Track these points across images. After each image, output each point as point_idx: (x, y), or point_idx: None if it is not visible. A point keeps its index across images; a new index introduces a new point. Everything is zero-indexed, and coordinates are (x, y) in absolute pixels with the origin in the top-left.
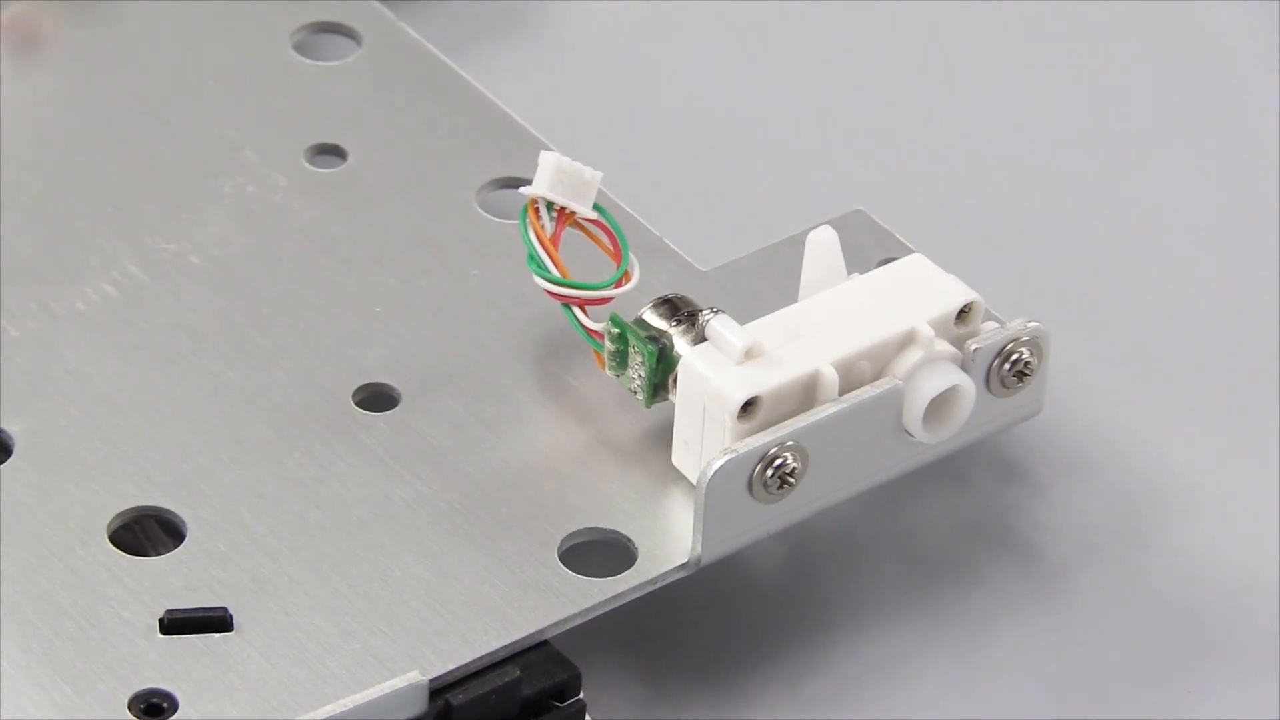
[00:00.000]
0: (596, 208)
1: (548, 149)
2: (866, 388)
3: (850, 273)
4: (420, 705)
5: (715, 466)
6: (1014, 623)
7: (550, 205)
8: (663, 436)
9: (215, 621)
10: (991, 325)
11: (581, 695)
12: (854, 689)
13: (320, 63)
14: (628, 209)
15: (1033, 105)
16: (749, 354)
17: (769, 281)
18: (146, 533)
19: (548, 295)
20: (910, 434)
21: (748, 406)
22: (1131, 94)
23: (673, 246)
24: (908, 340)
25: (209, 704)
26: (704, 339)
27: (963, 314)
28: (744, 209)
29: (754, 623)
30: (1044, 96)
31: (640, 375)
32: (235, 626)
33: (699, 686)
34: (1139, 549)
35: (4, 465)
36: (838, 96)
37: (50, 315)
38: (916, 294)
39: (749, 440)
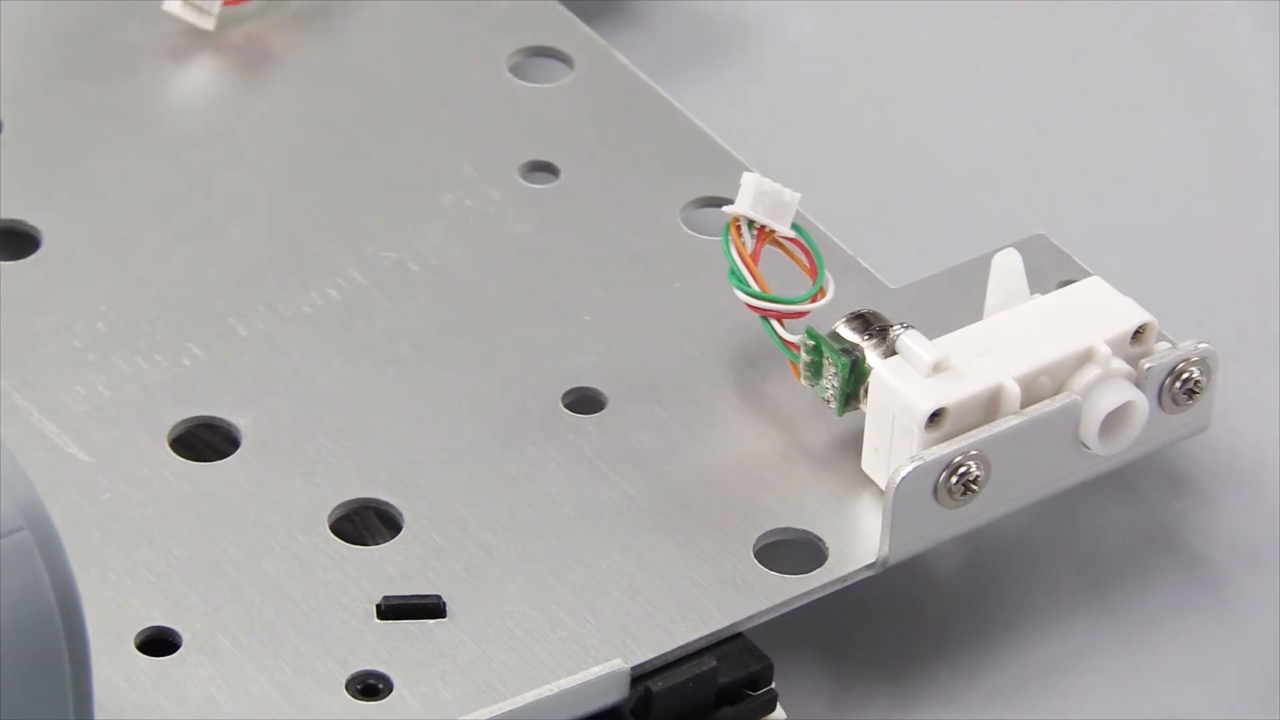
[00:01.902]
0: (794, 227)
1: (749, 170)
2: (1046, 402)
3: (1032, 293)
4: (621, 691)
5: (903, 473)
6: (1179, 627)
7: (751, 223)
8: (853, 443)
9: (430, 608)
10: (1164, 345)
11: (773, 685)
12: (1027, 686)
13: (535, 85)
14: (823, 228)
15: (1202, 137)
16: (937, 368)
17: (955, 300)
18: (365, 523)
19: (747, 308)
20: (1086, 446)
21: (935, 417)
22: None
23: (865, 265)
24: (1086, 358)
25: (422, 686)
26: (894, 352)
27: (1138, 334)
28: (932, 231)
29: (934, 621)
30: (1215, 128)
31: (834, 385)
32: (448, 613)
33: (882, 680)
34: None
35: (231, 457)
36: (1022, 126)
37: (277, 317)
38: (1094, 315)
39: (935, 449)
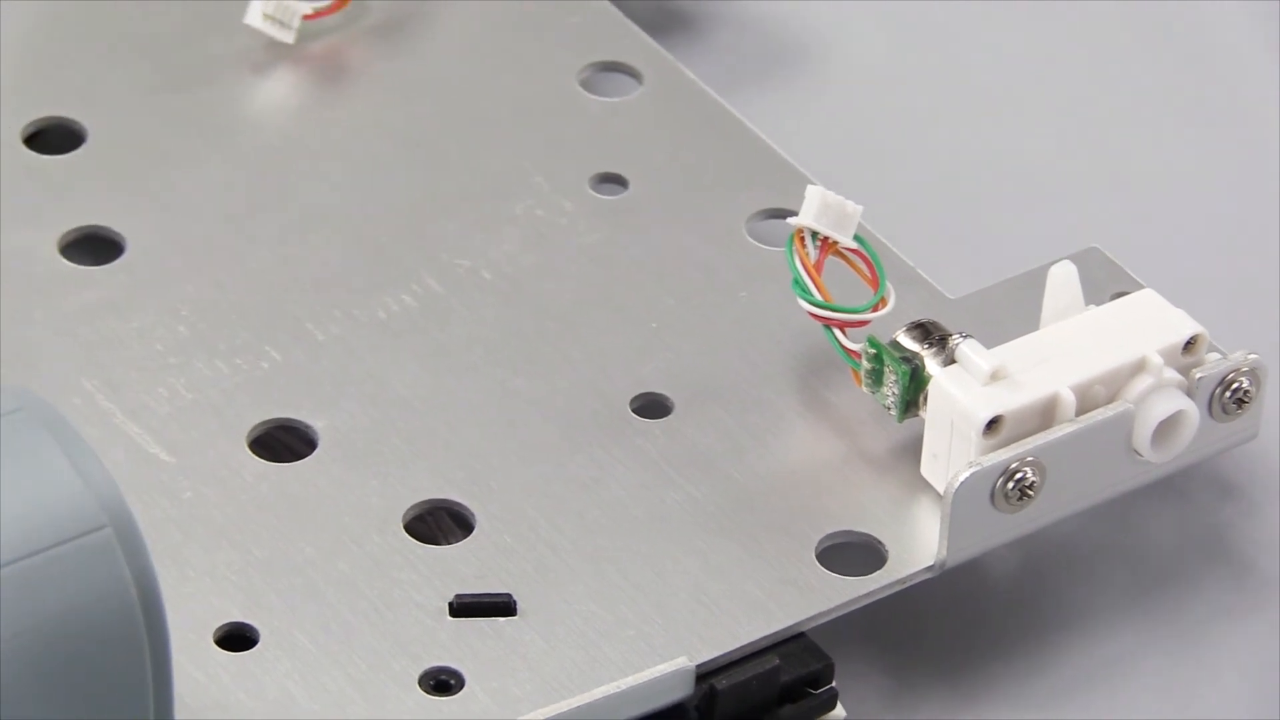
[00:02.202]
0: (856, 238)
1: (813, 183)
2: (1100, 410)
3: (1087, 304)
4: (687, 689)
5: (962, 478)
6: (1227, 631)
7: (815, 235)
8: (913, 449)
9: (501, 606)
10: (1214, 356)
11: (834, 684)
12: (1081, 687)
13: (605, 99)
14: (884, 240)
15: (1252, 152)
16: (995, 376)
17: (1012, 310)
18: (439, 523)
19: (810, 317)
20: (1139, 454)
21: (992, 424)
22: None
23: (924, 275)
24: (1139, 368)
25: (493, 682)
26: (953, 361)
27: (1189, 345)
28: (990, 243)
29: (990, 623)
30: (1264, 143)
31: (894, 393)
32: (519, 612)
33: (938, 680)
34: None
35: (309, 458)
36: (1077, 141)
37: (354, 322)
38: (1147, 326)
39: (993, 455)
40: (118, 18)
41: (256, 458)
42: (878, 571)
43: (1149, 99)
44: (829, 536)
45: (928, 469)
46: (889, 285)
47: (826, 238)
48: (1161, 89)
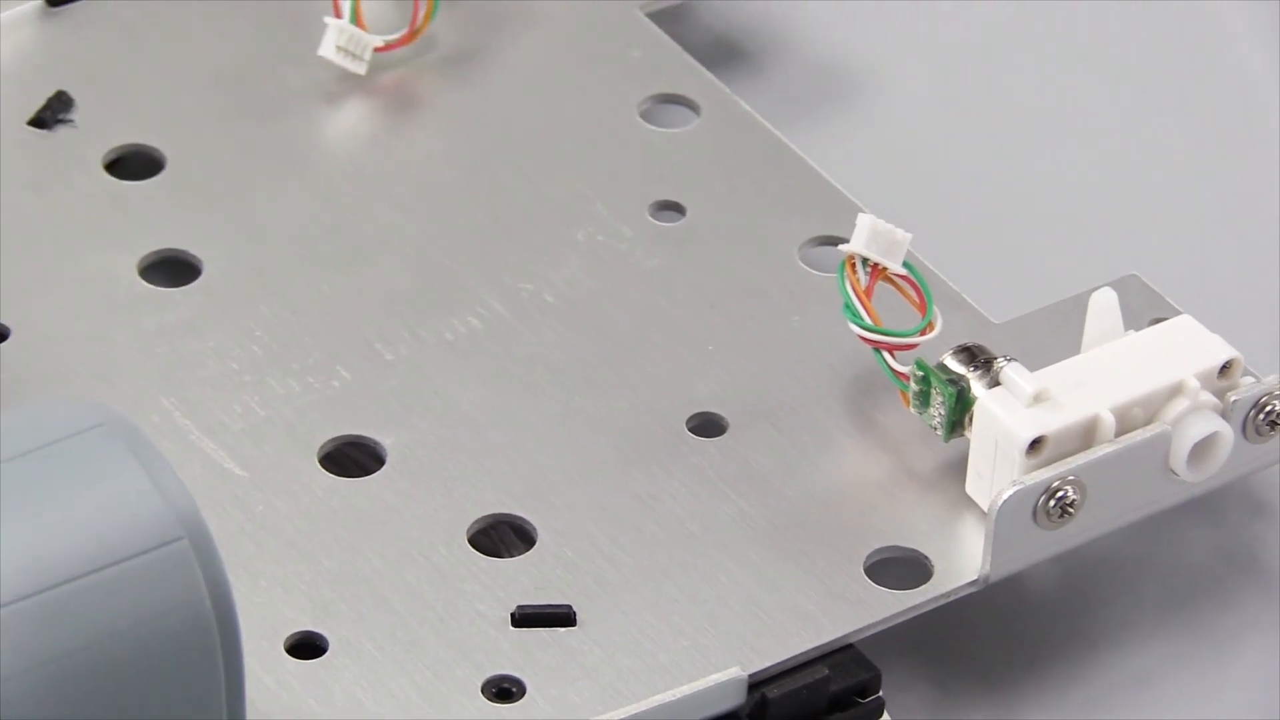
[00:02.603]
0: (905, 265)
1: (863, 212)
2: (1139, 431)
3: (1126, 330)
4: (739, 697)
5: (1005, 496)
6: (1258, 643)
7: (865, 261)
8: (958, 468)
9: (561, 617)
10: (1249, 380)
11: (881, 694)
12: (1117, 696)
13: (663, 129)
14: (931, 266)
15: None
16: (1038, 398)
17: (1054, 335)
18: (502, 537)
19: (860, 340)
20: (1175, 473)
21: (1035, 444)
22: None
23: (970, 301)
24: (1176, 391)
25: (553, 690)
26: (998, 383)
27: (1224, 369)
28: (1033, 269)
29: (1031, 634)
30: None
31: (940, 413)
32: (578, 622)
33: (982, 690)
34: None
35: (377, 474)
36: (1117, 172)
37: (421, 343)
38: (1184, 351)
39: (1035, 474)
40: (196, 48)
41: (327, 473)
42: (924, 585)
43: (1187, 132)
44: (877, 551)
45: (972, 487)
46: (936, 310)
47: (876, 264)
48: (1198, 123)
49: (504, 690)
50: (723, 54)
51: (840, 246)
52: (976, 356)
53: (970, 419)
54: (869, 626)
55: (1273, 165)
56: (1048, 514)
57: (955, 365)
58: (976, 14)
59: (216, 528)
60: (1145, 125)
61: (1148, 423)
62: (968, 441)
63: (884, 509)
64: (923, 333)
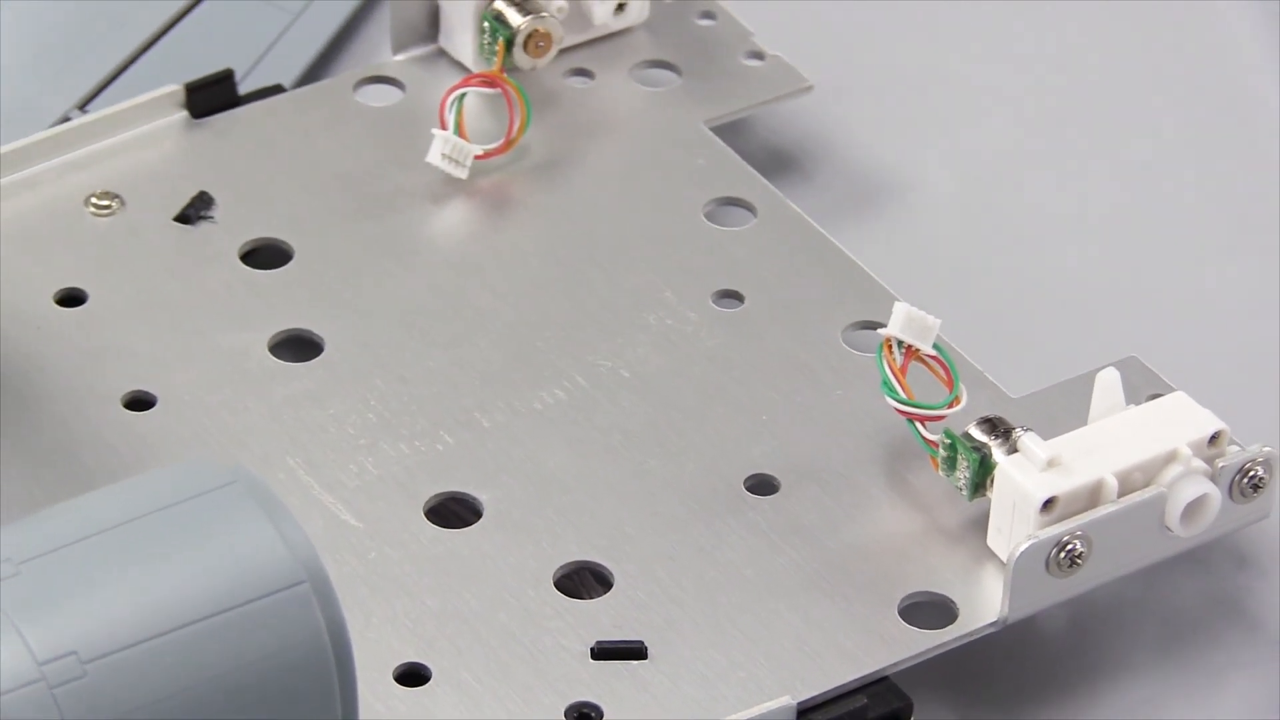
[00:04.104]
0: (935, 346)
1: (899, 300)
2: (1139, 493)
3: (1128, 404)
4: None
5: (1022, 548)
6: (1242, 677)
7: (900, 343)
8: (980, 524)
9: (634, 651)
10: (1234, 448)
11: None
12: None
13: (725, 228)
14: (958, 348)
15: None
16: (1050, 464)
17: (1065, 408)
18: (583, 581)
19: (896, 412)
20: (1170, 530)
21: (1048, 504)
22: None
23: (990, 378)
24: (1171, 458)
25: (626, 715)
26: (1016, 450)
27: (1214, 439)
28: (1046, 351)
29: (1042, 670)
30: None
31: (965, 476)
32: (649, 656)
33: (999, 716)
34: None
35: (475, 525)
36: (1120, 263)
37: (514, 412)
38: (1178, 423)
39: (1048, 530)
40: (321, 155)
41: (431, 525)
42: (950, 625)
43: (1185, 229)
44: (909, 596)
45: (993, 540)
46: (962, 386)
47: (910, 346)
48: (1197, 219)
49: (584, 715)
50: (777, 163)
51: (878, 330)
52: (997, 427)
53: (991, 481)
54: (902, 661)
55: (1269, 259)
56: (1059, 564)
57: (978, 434)
58: (995, 131)
59: (334, 572)
60: (1147, 226)
61: (1146, 485)
62: (989, 501)
63: (916, 559)
64: (950, 406)
